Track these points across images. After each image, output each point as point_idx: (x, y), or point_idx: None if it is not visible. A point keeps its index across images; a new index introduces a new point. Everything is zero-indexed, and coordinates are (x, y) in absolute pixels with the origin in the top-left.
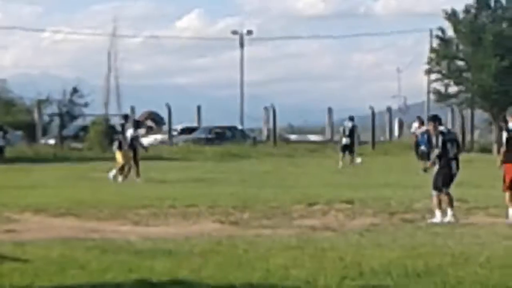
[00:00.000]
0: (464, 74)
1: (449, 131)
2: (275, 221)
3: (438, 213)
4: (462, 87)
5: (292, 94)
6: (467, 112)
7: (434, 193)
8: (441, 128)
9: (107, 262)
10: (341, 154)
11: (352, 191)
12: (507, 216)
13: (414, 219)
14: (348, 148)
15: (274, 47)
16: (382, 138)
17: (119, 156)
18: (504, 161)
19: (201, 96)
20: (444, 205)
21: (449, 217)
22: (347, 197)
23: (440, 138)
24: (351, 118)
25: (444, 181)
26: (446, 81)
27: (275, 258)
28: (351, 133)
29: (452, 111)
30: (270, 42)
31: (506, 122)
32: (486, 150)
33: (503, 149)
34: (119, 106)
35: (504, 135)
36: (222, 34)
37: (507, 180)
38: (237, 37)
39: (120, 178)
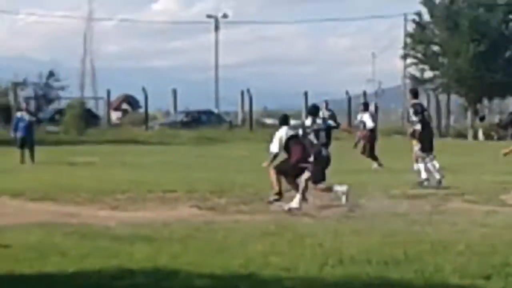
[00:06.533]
0: (440, 59)
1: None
2: (253, 206)
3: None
4: (437, 72)
5: (267, 78)
6: (443, 97)
7: None
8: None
9: (86, 248)
10: None
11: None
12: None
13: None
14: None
15: (249, 30)
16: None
17: None
18: None
19: (176, 79)
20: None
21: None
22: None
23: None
24: (326, 105)
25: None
26: (421, 66)
27: (254, 244)
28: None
29: (428, 96)
30: (245, 25)
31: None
32: (461, 135)
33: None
34: (95, 89)
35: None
36: (197, 18)
37: None
38: (212, 20)
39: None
